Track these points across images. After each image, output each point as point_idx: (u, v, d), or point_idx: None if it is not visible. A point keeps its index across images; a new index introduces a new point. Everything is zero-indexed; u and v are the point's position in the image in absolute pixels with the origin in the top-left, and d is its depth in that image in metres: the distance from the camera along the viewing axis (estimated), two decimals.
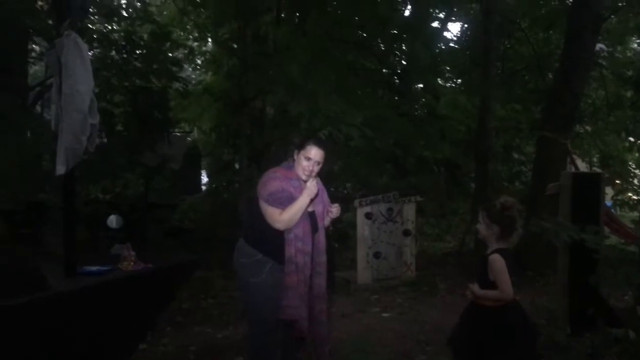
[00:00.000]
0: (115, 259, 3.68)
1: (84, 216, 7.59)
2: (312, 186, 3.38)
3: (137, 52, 8.99)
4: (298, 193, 3.40)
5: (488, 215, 3.04)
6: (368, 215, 7.07)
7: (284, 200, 3.36)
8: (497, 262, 2.94)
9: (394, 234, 7.20)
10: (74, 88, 2.99)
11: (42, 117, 9.99)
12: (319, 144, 3.47)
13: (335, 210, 3.65)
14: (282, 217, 3.36)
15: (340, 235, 8.71)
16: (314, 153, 3.42)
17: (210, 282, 6.93)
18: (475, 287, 3.06)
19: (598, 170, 9.87)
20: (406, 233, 7.27)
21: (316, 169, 3.45)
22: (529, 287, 6.85)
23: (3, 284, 2.83)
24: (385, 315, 5.80)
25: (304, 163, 3.42)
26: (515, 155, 12.66)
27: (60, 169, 3.09)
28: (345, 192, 11.46)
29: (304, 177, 3.44)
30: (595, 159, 11.57)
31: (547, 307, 5.78)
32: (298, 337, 3.47)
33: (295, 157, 3.48)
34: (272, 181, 3.42)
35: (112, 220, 4.15)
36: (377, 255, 7.05)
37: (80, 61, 3.02)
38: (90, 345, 3.14)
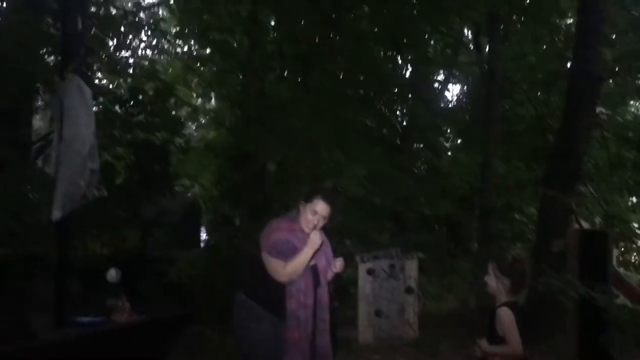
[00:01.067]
0: (109, 311, 3.55)
1: (80, 270, 7.46)
2: (316, 238, 3.30)
3: (141, 106, 9.08)
4: (301, 245, 3.32)
5: (499, 267, 2.94)
6: (370, 272, 6.93)
7: (288, 252, 3.28)
8: (506, 315, 2.85)
9: (396, 291, 7.04)
10: (75, 132, 2.96)
11: (43, 171, 10.00)
12: (326, 198, 3.41)
13: (339, 264, 3.55)
14: (286, 270, 3.26)
15: (340, 293, 8.53)
16: (321, 207, 3.36)
17: (207, 338, 6.71)
18: (483, 343, 2.93)
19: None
20: (408, 291, 7.10)
21: (321, 223, 3.38)
22: (536, 347, 6.63)
23: None
24: None
25: (309, 216, 3.36)
26: (517, 216, 12.59)
27: (57, 214, 3.03)
28: (345, 250, 11.33)
29: (307, 230, 3.37)
30: (597, 220, 11.49)
31: None
32: None
33: (301, 208, 3.41)
34: (276, 232, 3.35)
35: (112, 274, 4.03)
36: (378, 313, 6.86)
37: (82, 105, 3.00)
38: None
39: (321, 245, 3.40)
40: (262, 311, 3.33)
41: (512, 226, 11.71)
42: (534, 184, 10.53)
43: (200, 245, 14.07)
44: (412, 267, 7.20)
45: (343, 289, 8.59)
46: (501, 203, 10.60)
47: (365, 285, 6.88)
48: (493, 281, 2.97)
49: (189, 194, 15.20)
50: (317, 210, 3.35)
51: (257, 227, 3.61)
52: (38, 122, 12.21)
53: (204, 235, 15.90)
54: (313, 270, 3.39)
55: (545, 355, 6.14)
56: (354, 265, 7.06)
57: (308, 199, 3.39)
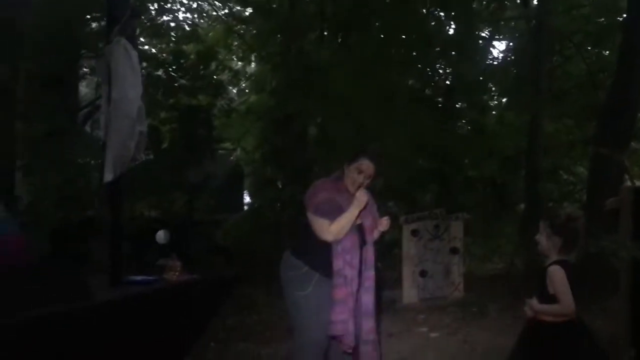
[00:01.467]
0: (160, 271, 3.64)
1: (130, 232, 7.67)
2: (362, 197, 3.29)
3: (184, 70, 9.13)
4: (347, 205, 3.31)
5: (551, 225, 2.86)
6: (414, 233, 6.89)
7: (333, 212, 3.28)
8: (558, 273, 2.76)
9: (441, 252, 6.99)
10: (123, 94, 2.99)
11: (91, 137, 10.25)
12: (372, 157, 3.39)
13: (385, 223, 3.53)
14: (331, 229, 3.26)
15: (384, 254, 8.55)
16: (366, 166, 3.35)
17: (254, 298, 6.85)
18: (533, 302, 2.87)
19: None
20: (453, 251, 7.05)
21: (366, 182, 3.37)
22: (586, 310, 6.50)
23: (45, 292, 2.81)
24: (433, 335, 5.59)
25: (355, 175, 3.35)
26: (564, 176, 12.27)
27: (108, 176, 3.09)
28: (388, 210, 11.30)
29: (352, 190, 3.37)
30: None
31: (608, 330, 5.47)
32: (345, 352, 3.34)
33: (346, 169, 3.39)
34: (321, 192, 3.35)
35: (161, 236, 4.12)
36: (423, 273, 6.85)
37: (129, 67, 3.02)
38: (134, 355, 3.09)
39: (367, 204, 3.39)
40: (308, 270, 3.35)
41: (560, 186, 11.42)
42: (583, 142, 10.21)
43: (243, 209, 14.29)
44: (457, 228, 7.13)
45: (387, 250, 8.61)
46: (549, 163, 10.32)
47: (410, 246, 6.85)
48: (544, 240, 2.88)
49: (232, 158, 15.38)
50: (363, 169, 3.34)
51: (300, 190, 3.62)
52: (84, 89, 12.46)
53: (247, 199, 16.13)
54: (359, 230, 3.39)
55: (596, 318, 6.03)
56: (398, 227, 7.03)
57: (353, 158, 3.36)
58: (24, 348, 2.50)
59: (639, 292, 4.63)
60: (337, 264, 3.29)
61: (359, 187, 3.35)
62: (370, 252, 3.46)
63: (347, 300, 3.26)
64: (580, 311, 6.33)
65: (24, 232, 4.13)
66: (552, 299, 2.79)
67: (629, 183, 6.46)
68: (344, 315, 3.24)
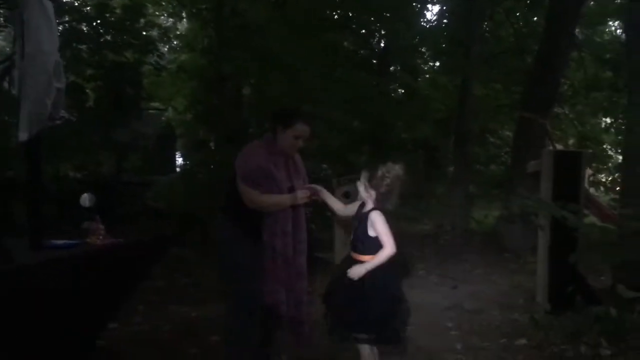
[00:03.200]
0: (84, 234, 3.51)
1: (54, 193, 7.35)
2: (302, 196, 3.27)
3: (110, 25, 8.66)
4: (278, 170, 3.30)
5: (368, 179, 3.04)
6: (346, 194, 6.94)
7: (262, 181, 3.25)
8: (379, 217, 2.96)
9: None
10: (38, 48, 2.79)
11: (9, 93, 9.64)
12: (307, 121, 3.35)
13: (302, 195, 3.47)
14: (259, 201, 3.26)
15: (316, 216, 8.61)
16: (302, 130, 3.31)
17: (185, 260, 6.79)
18: (362, 266, 2.98)
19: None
20: None
21: (301, 144, 3.36)
22: (507, 267, 6.87)
23: None
24: None
25: (292, 141, 3.31)
26: (491, 139, 12.68)
27: (23, 135, 2.91)
28: (322, 172, 11.36)
29: (291, 153, 3.38)
30: (571, 142, 11.65)
31: (526, 286, 5.79)
32: (280, 316, 3.36)
33: (280, 132, 3.33)
34: (252, 158, 3.30)
35: (85, 199, 3.94)
36: None
37: (44, 20, 2.82)
38: (56, 321, 2.99)
39: (297, 167, 3.43)
40: (241, 233, 3.32)
41: (487, 149, 11.83)
42: (510, 107, 10.55)
43: (175, 170, 13.99)
44: None
45: (319, 212, 8.67)
46: (478, 126, 10.64)
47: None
48: (362, 189, 3.07)
49: (163, 118, 14.95)
50: (299, 134, 3.31)
51: (233, 152, 3.56)
52: (1, 42, 11.67)
53: (179, 160, 15.81)
54: (290, 192, 3.37)
55: (517, 274, 6.37)
56: (331, 189, 7.06)
57: (287, 123, 3.31)
58: None
59: (555, 251, 4.91)
60: (265, 235, 3.28)
61: (296, 150, 3.37)
62: (301, 214, 3.45)
63: (276, 270, 3.26)
64: (503, 268, 6.66)
65: None
66: (374, 240, 2.98)
67: (550, 147, 6.75)
68: (273, 286, 3.26)
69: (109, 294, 3.47)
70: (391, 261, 2.98)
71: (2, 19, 8.38)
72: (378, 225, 2.95)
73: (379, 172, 3.00)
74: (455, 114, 10.22)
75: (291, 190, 3.37)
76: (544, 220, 4.96)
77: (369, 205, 3.04)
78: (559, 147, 7.84)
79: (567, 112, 10.99)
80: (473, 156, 10.72)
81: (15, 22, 3.14)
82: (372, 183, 3.01)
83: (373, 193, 3.01)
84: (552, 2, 8.20)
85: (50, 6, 2.88)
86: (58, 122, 3.26)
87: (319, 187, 3.35)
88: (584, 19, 9.26)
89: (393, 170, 3.01)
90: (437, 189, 12.26)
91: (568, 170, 5.04)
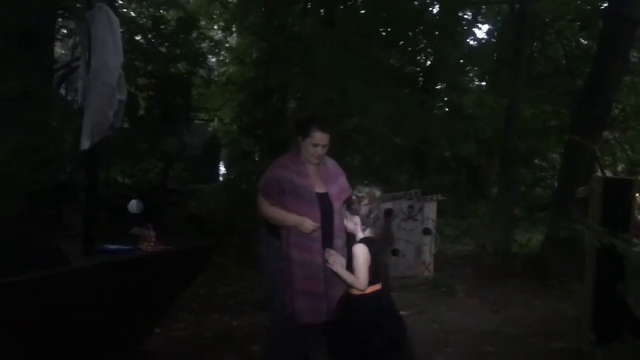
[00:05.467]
0: (134, 239, 3.62)
1: (103, 199, 7.55)
2: (307, 226, 3.25)
3: (163, 37, 8.94)
4: (300, 179, 3.36)
5: (348, 208, 3.05)
6: (388, 212, 6.95)
7: (274, 192, 3.35)
8: (359, 251, 2.91)
9: (414, 232, 7.08)
10: (103, 61, 2.93)
11: (66, 99, 10.00)
12: (323, 127, 3.38)
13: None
14: (265, 211, 3.38)
15: None
16: (320, 138, 3.35)
17: (226, 270, 6.89)
18: (338, 259, 3.02)
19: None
20: (426, 232, 7.15)
21: (324, 151, 3.41)
22: (550, 293, 6.71)
23: (18, 259, 2.78)
24: (402, 313, 5.62)
25: (312, 149, 3.36)
26: (537, 161, 12.45)
27: (85, 144, 3.04)
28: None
29: (315, 162, 3.42)
30: (620, 168, 11.34)
31: (570, 313, 5.65)
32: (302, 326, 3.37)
33: (301, 143, 3.39)
34: (272, 170, 3.43)
35: (134, 205, 4.08)
36: (395, 252, 6.94)
37: (110, 34, 2.96)
38: (106, 323, 3.09)
39: (330, 174, 3.48)
40: (278, 247, 3.36)
41: (533, 172, 11.61)
42: (559, 129, 10.35)
43: (218, 180, 14.22)
44: (431, 209, 7.21)
45: None
46: (524, 148, 10.47)
47: None
48: (347, 222, 3.05)
49: (209, 129, 15.24)
50: (317, 142, 3.35)
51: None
52: (59, 50, 12.15)
53: (222, 170, 16.07)
54: (322, 199, 3.37)
55: (560, 301, 6.21)
56: None
57: (304, 132, 3.36)
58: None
59: (602, 278, 4.78)
60: (282, 245, 3.32)
61: (319, 157, 3.40)
62: (337, 220, 3.39)
63: (294, 281, 3.27)
64: (547, 293, 6.48)
65: None
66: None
67: (599, 173, 6.59)
68: (292, 297, 3.26)
69: (156, 300, 3.57)
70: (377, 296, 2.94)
71: (63, 29, 8.73)
72: (356, 260, 2.90)
73: (353, 197, 2.99)
74: (501, 134, 10.10)
75: (324, 196, 3.38)
76: (592, 246, 4.85)
77: (358, 235, 3.00)
78: (608, 173, 7.66)
79: (617, 137, 10.71)
80: (518, 178, 10.55)
81: (81, 34, 3.30)
82: (352, 210, 2.99)
83: (357, 219, 2.97)
84: (605, 24, 8.04)
85: (116, 21, 3.02)
86: (116, 131, 3.40)
87: (332, 253, 3.15)
88: (637, 42, 9.04)
89: (366, 189, 2.98)
90: (479, 210, 12.10)
91: (618, 198, 4.92)
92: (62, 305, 2.78)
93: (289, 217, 3.30)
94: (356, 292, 2.93)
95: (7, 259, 2.70)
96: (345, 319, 2.97)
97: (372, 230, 2.98)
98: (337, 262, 3.03)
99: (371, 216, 2.95)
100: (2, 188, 5.40)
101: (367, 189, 2.98)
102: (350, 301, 2.97)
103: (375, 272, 2.93)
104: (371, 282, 2.91)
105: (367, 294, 2.92)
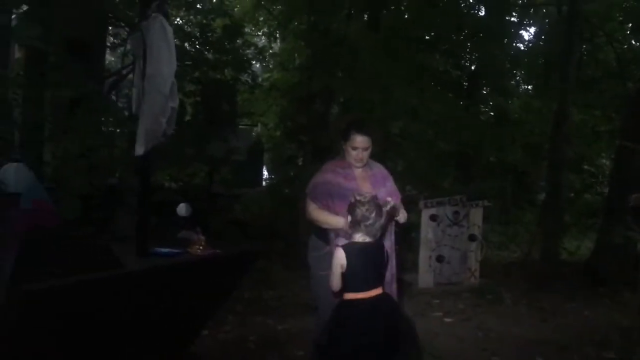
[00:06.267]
0: (183, 243, 3.70)
1: (152, 203, 7.72)
2: (341, 224, 3.25)
3: (210, 44, 9.13)
4: (347, 181, 3.42)
5: (348, 210, 3.04)
6: (433, 217, 6.90)
7: (321, 196, 3.43)
8: (336, 254, 2.95)
9: (459, 238, 7.00)
10: (157, 70, 3.02)
11: (116, 106, 10.28)
12: (361, 131, 3.43)
13: (402, 217, 3.51)
14: (311, 214, 3.46)
15: (402, 236, 8.56)
16: (359, 141, 3.41)
17: (271, 274, 6.96)
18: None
19: None
20: (472, 238, 7.05)
21: (366, 154, 3.46)
22: (601, 302, 6.51)
23: (76, 261, 2.88)
24: (447, 320, 5.64)
25: (353, 153, 3.44)
26: (586, 167, 12.12)
27: (140, 150, 3.14)
28: (407, 193, 11.29)
29: (358, 165, 3.48)
30: None
31: (622, 323, 5.48)
32: None
33: (343, 147, 3.48)
34: (321, 173, 3.52)
35: (182, 208, 4.18)
36: (440, 258, 6.87)
37: (165, 44, 3.05)
38: (158, 326, 3.17)
39: (377, 178, 3.54)
40: (329, 249, 3.39)
41: (582, 178, 11.31)
42: (609, 134, 10.06)
43: (262, 184, 14.38)
44: (477, 215, 7.11)
45: (405, 232, 8.63)
46: (573, 153, 10.21)
47: (428, 231, 6.86)
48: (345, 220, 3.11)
49: (253, 134, 15.44)
50: (357, 145, 3.41)
51: (319, 168, 3.69)
52: (109, 57, 12.51)
53: (265, 174, 16.25)
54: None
55: (612, 310, 6.03)
56: (417, 211, 7.03)
57: (345, 137, 3.44)
58: (54, 314, 2.58)
59: None
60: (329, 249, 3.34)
61: (361, 160, 3.46)
62: (386, 222, 3.43)
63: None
64: (598, 302, 6.26)
65: (52, 197, 4.23)
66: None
67: None
68: (328, 300, 3.24)
69: (205, 302, 3.64)
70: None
71: (113, 38, 9.00)
72: (332, 264, 2.95)
73: (352, 199, 2.99)
74: (549, 139, 9.87)
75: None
76: None
77: (347, 236, 3.08)
78: None
79: None
80: (567, 184, 10.28)
81: (135, 43, 3.41)
82: (348, 209, 3.01)
83: (349, 219, 2.99)
84: None
85: (170, 31, 3.12)
86: (168, 137, 3.49)
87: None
88: None
89: (367, 199, 2.95)
90: (524, 216, 11.84)
91: None
92: (115, 308, 2.87)
93: (335, 219, 3.35)
94: (349, 297, 2.96)
95: (63, 261, 2.81)
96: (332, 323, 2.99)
97: (358, 233, 2.96)
98: None
99: (358, 222, 2.93)
100: (61, 191, 5.60)
101: (364, 196, 2.97)
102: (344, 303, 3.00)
103: (364, 278, 2.93)
104: (357, 289, 2.92)
105: (349, 300, 2.94)
